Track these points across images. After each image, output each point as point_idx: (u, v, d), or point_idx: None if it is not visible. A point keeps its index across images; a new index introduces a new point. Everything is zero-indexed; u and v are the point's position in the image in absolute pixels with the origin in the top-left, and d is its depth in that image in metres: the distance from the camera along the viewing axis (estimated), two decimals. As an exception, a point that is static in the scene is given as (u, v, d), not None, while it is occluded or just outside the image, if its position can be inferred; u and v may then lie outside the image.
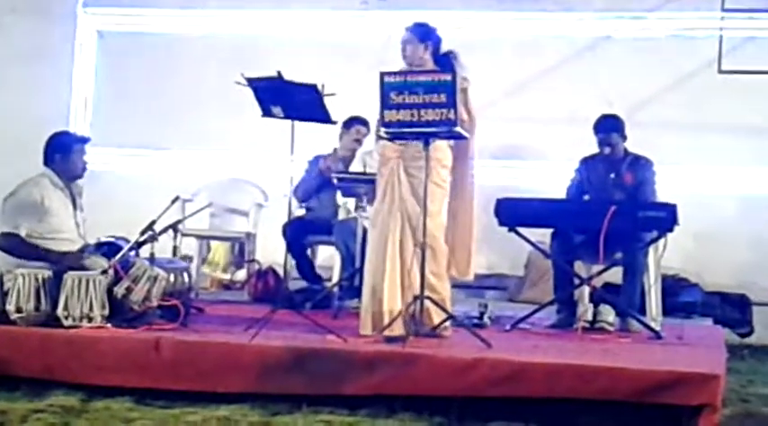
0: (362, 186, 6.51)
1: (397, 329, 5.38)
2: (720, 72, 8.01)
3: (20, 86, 8.94)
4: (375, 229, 5.69)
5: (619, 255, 6.26)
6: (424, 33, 5.78)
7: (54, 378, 5.09)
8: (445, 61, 5.78)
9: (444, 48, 5.83)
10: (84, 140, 6.02)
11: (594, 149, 6.58)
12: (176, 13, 9.03)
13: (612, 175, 6.51)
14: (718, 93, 7.99)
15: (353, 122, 7.30)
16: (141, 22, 9.08)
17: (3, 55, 9.02)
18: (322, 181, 7.26)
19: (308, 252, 7.39)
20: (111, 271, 5.51)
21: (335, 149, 7.41)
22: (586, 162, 6.65)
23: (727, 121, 7.96)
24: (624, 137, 6.53)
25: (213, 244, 8.35)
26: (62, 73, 9.09)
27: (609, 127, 6.50)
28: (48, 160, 5.90)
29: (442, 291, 5.62)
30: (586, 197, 6.61)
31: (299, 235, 7.08)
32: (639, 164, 6.52)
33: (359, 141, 7.35)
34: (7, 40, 9.05)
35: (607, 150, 6.49)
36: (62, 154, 5.88)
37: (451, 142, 5.71)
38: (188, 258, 7.45)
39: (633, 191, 6.45)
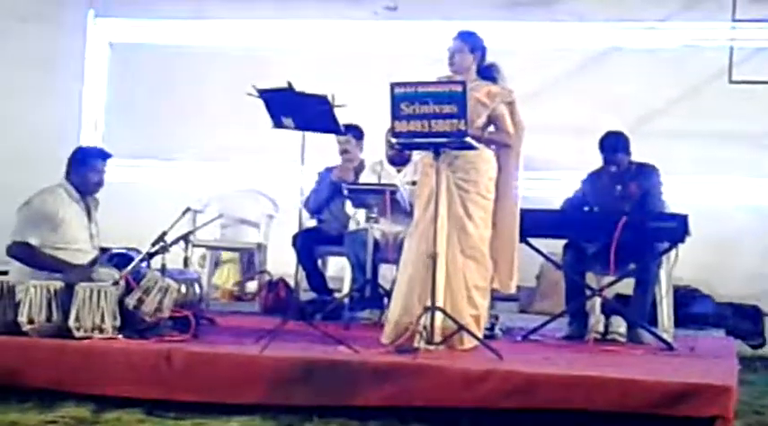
0: (373, 197, 6.51)
1: (414, 341, 5.36)
2: (731, 82, 8.01)
3: (30, 96, 8.97)
4: (412, 240, 5.67)
5: (631, 266, 6.24)
6: (474, 43, 5.80)
7: (65, 389, 5.08)
8: (488, 73, 5.81)
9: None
10: (106, 156, 6.03)
11: (601, 163, 6.56)
12: (187, 24, 9.07)
13: (619, 187, 6.49)
14: (728, 103, 7.98)
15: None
16: (152, 32, 9.11)
17: (14, 64, 9.04)
18: (333, 192, 7.25)
19: (319, 263, 7.38)
20: (122, 282, 5.51)
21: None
22: (591, 176, 6.63)
23: (738, 131, 7.96)
24: (629, 153, 6.50)
25: (224, 259, 8.34)
26: (73, 83, 9.13)
27: (614, 146, 6.46)
28: (68, 172, 5.93)
29: (481, 305, 5.63)
30: (586, 209, 6.61)
31: (309, 245, 7.08)
32: (644, 173, 6.50)
33: (347, 151, 7.29)
34: (18, 50, 9.07)
35: (613, 168, 6.48)
36: (81, 167, 5.91)
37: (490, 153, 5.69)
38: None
39: (640, 201, 6.43)
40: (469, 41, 5.80)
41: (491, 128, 5.79)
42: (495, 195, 5.72)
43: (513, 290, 5.90)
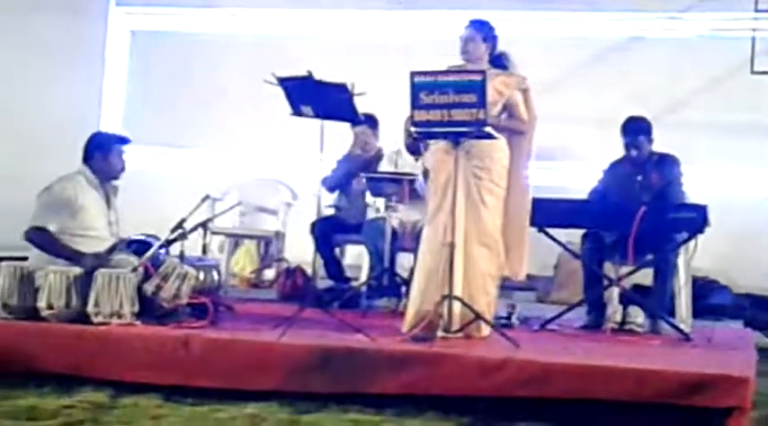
0: (391, 186, 6.51)
1: (433, 328, 5.37)
2: (753, 73, 7.97)
3: (51, 84, 9.00)
4: (431, 227, 5.67)
5: (649, 257, 6.22)
6: (487, 32, 5.80)
7: (83, 375, 5.10)
8: (499, 62, 5.81)
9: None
10: (125, 141, 6.00)
11: (623, 152, 6.55)
12: (208, 12, 9.09)
13: (639, 177, 6.46)
14: (750, 93, 7.94)
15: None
16: (173, 20, 9.14)
17: (35, 52, 9.07)
18: (350, 170, 7.23)
19: (337, 251, 7.39)
20: (140, 269, 5.53)
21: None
22: (613, 166, 6.62)
23: (759, 123, 7.92)
24: (651, 140, 6.49)
25: (240, 248, 8.36)
26: (94, 71, 9.17)
27: (636, 130, 6.47)
28: (87, 157, 5.90)
29: (491, 293, 5.66)
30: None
31: (327, 234, 7.09)
32: (666, 163, 6.47)
33: (365, 141, 7.30)
34: (40, 38, 9.10)
35: (634, 152, 6.45)
36: (102, 153, 5.87)
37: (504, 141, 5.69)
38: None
39: (661, 192, 6.40)
40: (482, 30, 5.80)
41: (504, 116, 5.77)
42: (507, 183, 5.73)
43: (523, 278, 5.92)
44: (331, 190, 7.35)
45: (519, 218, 5.82)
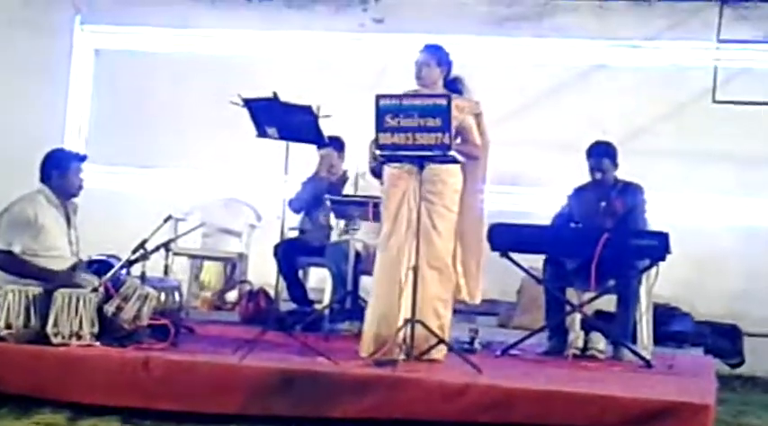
0: (356, 208, 6.50)
1: (393, 353, 5.36)
2: (715, 102, 8.04)
3: (15, 101, 8.95)
4: (386, 253, 5.69)
5: (611, 283, 6.25)
6: (442, 57, 5.83)
7: (42, 396, 5.05)
8: (453, 86, 5.84)
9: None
10: (82, 158, 5.98)
11: (588, 178, 6.59)
12: (173, 33, 9.05)
13: (603, 203, 6.51)
14: (712, 122, 8.01)
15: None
16: (138, 40, 9.10)
17: (-1, 69, 9.04)
18: (316, 191, 7.23)
19: (300, 273, 7.37)
20: (101, 289, 5.49)
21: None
22: (577, 191, 6.66)
23: (721, 151, 7.99)
24: (616, 165, 6.55)
25: (206, 264, 8.33)
26: (58, 89, 9.10)
27: (601, 152, 6.53)
28: (44, 177, 5.87)
29: (444, 316, 5.65)
30: (573, 225, 6.62)
31: (290, 256, 7.06)
32: (630, 191, 6.53)
33: (330, 164, 7.31)
34: (3, 54, 9.06)
35: (598, 175, 6.51)
36: (59, 171, 5.85)
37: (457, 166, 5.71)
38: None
39: (623, 218, 6.45)
40: (437, 55, 5.83)
41: (457, 141, 5.79)
42: (461, 207, 5.75)
43: (478, 301, 5.94)
44: (296, 211, 7.34)
45: (474, 242, 5.85)
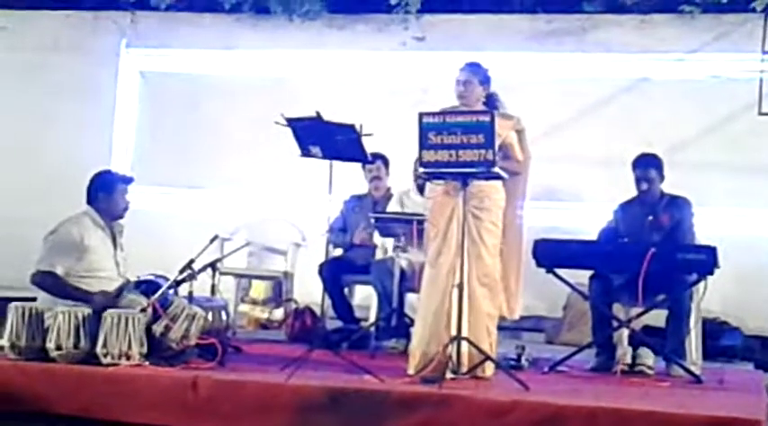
0: (400, 226, 6.51)
1: (440, 370, 5.35)
2: (761, 114, 7.97)
3: (62, 124, 9.09)
4: (435, 269, 5.69)
5: (661, 297, 6.20)
6: (484, 75, 5.86)
7: (91, 416, 5.10)
8: (490, 102, 5.85)
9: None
10: (128, 180, 6.04)
11: (632, 192, 6.55)
12: (217, 54, 9.14)
13: (650, 217, 6.46)
14: (758, 135, 7.95)
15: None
16: (182, 62, 9.19)
17: (46, 92, 9.17)
18: (359, 209, 7.27)
19: (345, 291, 7.38)
20: (149, 310, 5.53)
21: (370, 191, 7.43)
22: (623, 206, 6.62)
23: (766, 164, 7.91)
24: (662, 177, 6.51)
25: (254, 283, 8.38)
26: (105, 112, 9.20)
27: (647, 163, 6.51)
28: (91, 199, 5.93)
29: (493, 333, 5.67)
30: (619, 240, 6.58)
31: (335, 274, 7.09)
32: (676, 205, 6.49)
33: (378, 178, 7.34)
34: (51, 78, 9.19)
35: (644, 186, 6.47)
36: (105, 193, 5.91)
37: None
38: None
39: (671, 233, 6.40)
40: (479, 73, 5.85)
41: (499, 156, 5.78)
42: (502, 223, 5.76)
43: (517, 317, 5.96)
44: (339, 231, 7.36)
45: (513, 258, 5.87)
